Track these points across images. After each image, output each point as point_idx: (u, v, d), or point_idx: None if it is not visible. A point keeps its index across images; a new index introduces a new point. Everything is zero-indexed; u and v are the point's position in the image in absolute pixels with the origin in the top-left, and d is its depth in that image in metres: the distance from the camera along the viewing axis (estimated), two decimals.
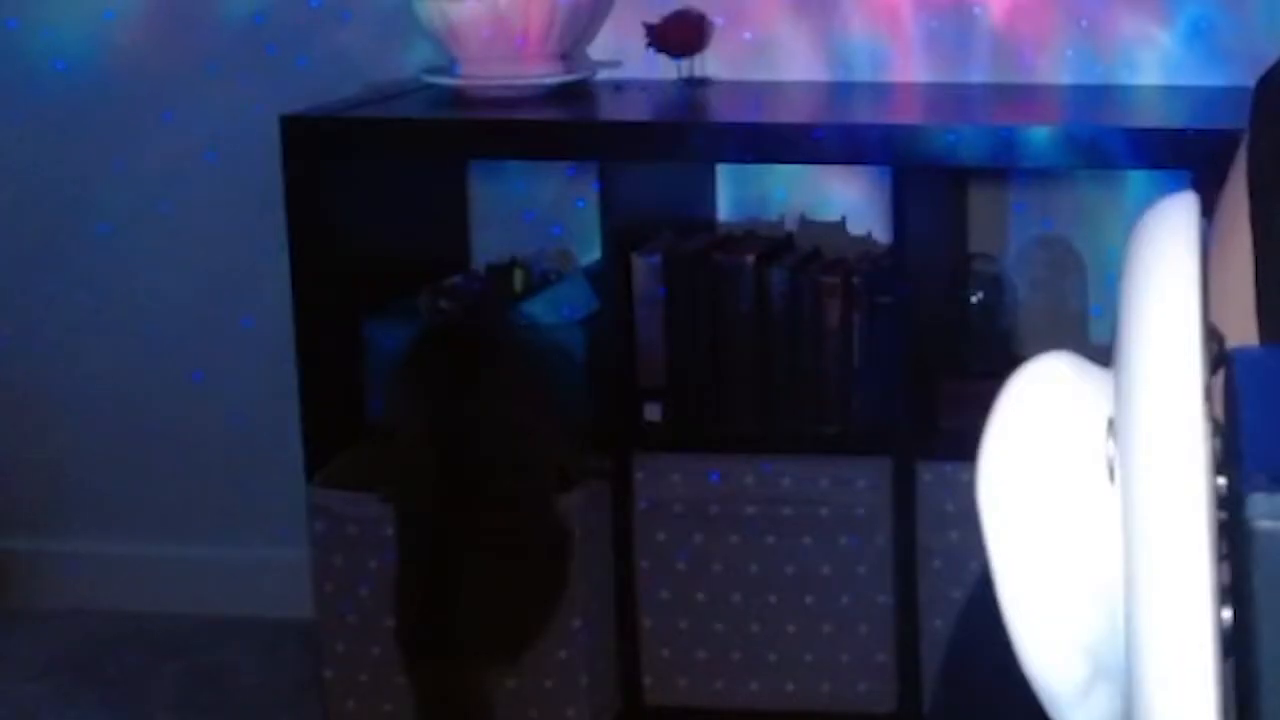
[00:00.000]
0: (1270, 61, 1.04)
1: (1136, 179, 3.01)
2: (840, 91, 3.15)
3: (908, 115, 2.99)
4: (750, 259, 2.92)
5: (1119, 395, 0.65)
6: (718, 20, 3.17)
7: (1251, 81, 1.04)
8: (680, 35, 3.11)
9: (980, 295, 3.03)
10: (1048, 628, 0.67)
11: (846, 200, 3.18)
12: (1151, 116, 2.92)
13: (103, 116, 3.35)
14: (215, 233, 3.34)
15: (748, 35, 3.19)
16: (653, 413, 2.92)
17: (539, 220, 3.27)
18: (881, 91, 3.15)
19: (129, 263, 3.39)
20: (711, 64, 3.17)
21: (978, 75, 3.13)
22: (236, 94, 3.24)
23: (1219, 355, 0.65)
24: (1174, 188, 0.74)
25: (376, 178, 3.04)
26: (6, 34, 3.35)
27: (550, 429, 2.81)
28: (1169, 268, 0.65)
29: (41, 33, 3.34)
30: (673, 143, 2.93)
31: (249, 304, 3.28)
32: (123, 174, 3.36)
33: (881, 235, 3.10)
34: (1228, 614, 0.60)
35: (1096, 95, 3.06)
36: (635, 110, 3.09)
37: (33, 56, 3.35)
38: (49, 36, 3.34)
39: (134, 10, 3.32)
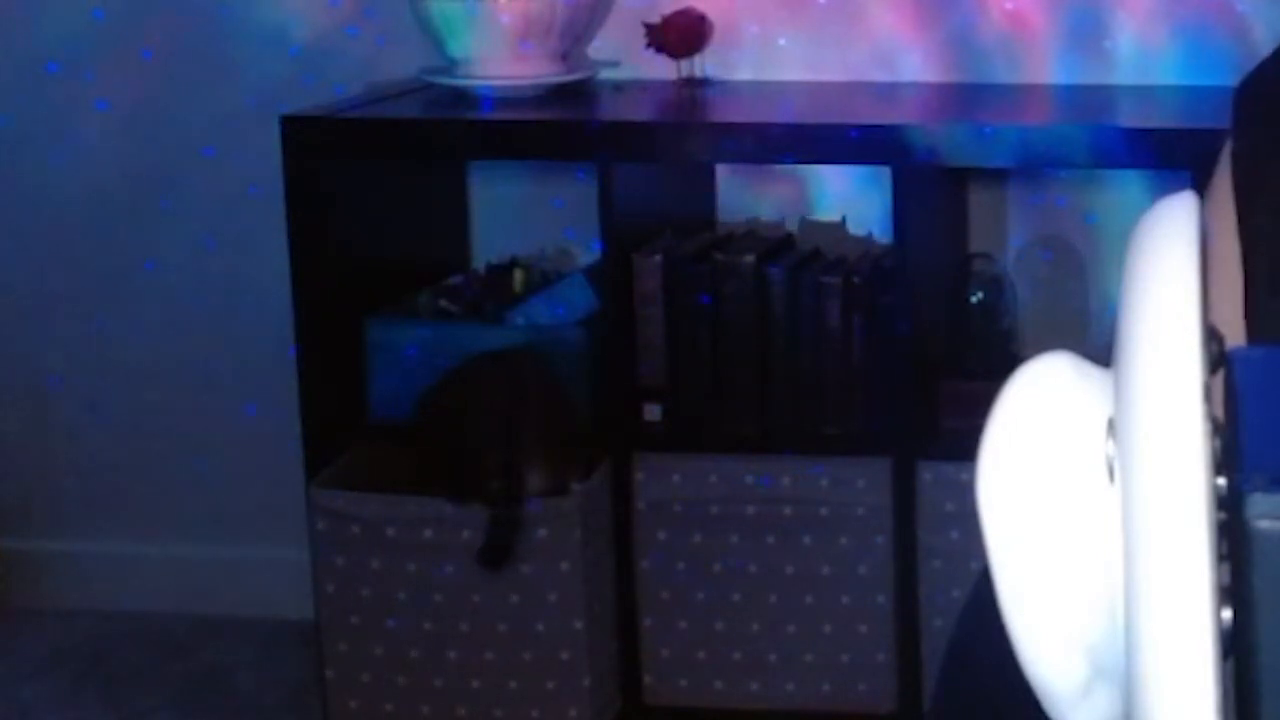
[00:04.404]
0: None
1: (1136, 179, 3.01)
2: (840, 91, 3.15)
3: (908, 115, 2.99)
4: (750, 259, 2.92)
5: (1119, 395, 0.65)
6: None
7: None
8: (680, 35, 3.11)
9: (980, 295, 3.03)
10: (1048, 628, 0.67)
11: (846, 200, 3.18)
12: (1151, 116, 2.91)
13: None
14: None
15: (748, 35, 3.19)
16: (653, 413, 2.92)
17: (539, 220, 3.27)
18: (882, 91, 3.14)
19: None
20: (711, 64, 3.17)
21: (978, 75, 3.13)
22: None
23: (1219, 355, 0.65)
24: (1174, 188, 0.74)
25: (376, 178, 3.04)
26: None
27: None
28: (1169, 268, 0.65)
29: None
30: (673, 143, 2.93)
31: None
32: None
33: (881, 235, 3.10)
34: (1228, 614, 0.60)
35: (1096, 95, 3.06)
36: (635, 110, 3.09)
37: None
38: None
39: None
